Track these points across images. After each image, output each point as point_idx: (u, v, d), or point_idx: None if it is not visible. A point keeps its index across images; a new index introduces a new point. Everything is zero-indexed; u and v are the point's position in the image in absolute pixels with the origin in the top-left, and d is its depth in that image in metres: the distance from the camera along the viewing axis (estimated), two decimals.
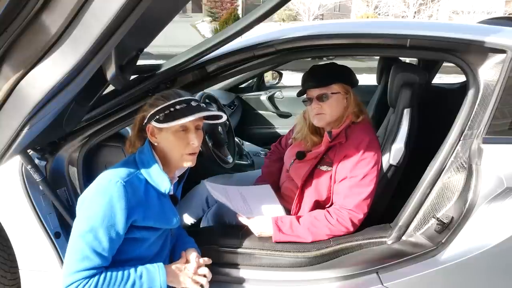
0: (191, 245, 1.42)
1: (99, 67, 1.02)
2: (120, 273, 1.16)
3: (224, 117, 1.27)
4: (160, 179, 1.22)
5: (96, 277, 1.11)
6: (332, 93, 1.56)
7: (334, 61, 1.76)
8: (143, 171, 1.22)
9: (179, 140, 1.20)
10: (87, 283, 1.10)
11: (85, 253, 1.10)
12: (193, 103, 1.20)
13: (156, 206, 1.23)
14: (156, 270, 1.21)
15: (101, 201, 1.11)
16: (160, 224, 1.24)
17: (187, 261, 1.32)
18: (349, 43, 1.49)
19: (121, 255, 1.21)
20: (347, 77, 1.61)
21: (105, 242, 1.11)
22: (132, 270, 1.18)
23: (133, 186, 1.17)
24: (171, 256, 1.44)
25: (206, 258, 1.35)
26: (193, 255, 1.34)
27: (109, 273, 1.14)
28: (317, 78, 1.59)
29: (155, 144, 1.24)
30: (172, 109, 1.17)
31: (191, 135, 1.21)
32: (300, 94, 1.69)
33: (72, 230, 1.15)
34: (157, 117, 1.18)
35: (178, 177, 1.37)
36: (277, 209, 1.62)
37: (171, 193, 1.32)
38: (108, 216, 1.11)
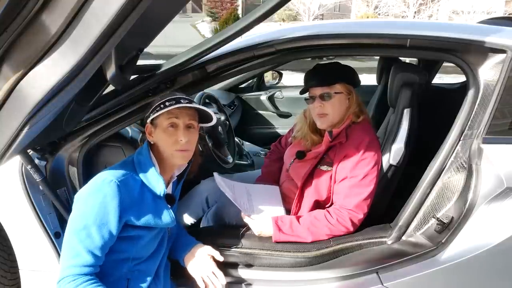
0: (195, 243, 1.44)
1: (99, 67, 1.02)
2: None
3: (215, 119, 1.31)
4: (155, 181, 1.24)
5: (85, 278, 1.12)
6: (336, 93, 1.56)
7: (334, 61, 1.75)
8: (139, 172, 1.24)
9: (168, 137, 1.23)
10: (73, 280, 1.11)
11: (78, 250, 1.11)
12: (183, 101, 1.23)
13: (151, 206, 1.24)
14: None
15: (95, 200, 1.12)
16: (154, 224, 1.25)
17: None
18: (349, 43, 1.48)
19: (117, 254, 1.21)
20: (350, 77, 1.62)
21: (97, 240, 1.12)
22: None
23: (128, 186, 1.18)
24: (170, 255, 1.44)
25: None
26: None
27: (96, 284, 1.13)
28: (321, 77, 1.59)
29: (152, 143, 1.28)
30: (162, 106, 1.23)
31: (180, 131, 1.24)
32: (303, 92, 1.69)
33: (67, 226, 1.16)
34: (151, 114, 1.25)
35: (177, 176, 1.38)
36: (279, 211, 1.62)
37: (169, 192, 1.33)
38: (101, 215, 1.12)
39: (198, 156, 1.45)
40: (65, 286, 1.11)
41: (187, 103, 1.23)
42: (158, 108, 1.23)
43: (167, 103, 1.22)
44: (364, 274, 1.45)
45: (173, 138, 1.23)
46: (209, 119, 1.31)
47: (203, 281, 1.37)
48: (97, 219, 1.12)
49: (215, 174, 1.65)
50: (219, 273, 1.37)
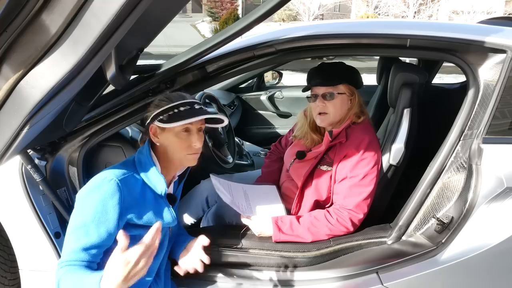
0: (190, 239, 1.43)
1: (99, 67, 1.02)
2: (87, 270, 1.09)
3: (226, 121, 1.29)
4: (156, 180, 1.23)
5: (77, 263, 1.09)
6: (339, 93, 1.57)
7: (334, 61, 1.75)
8: (140, 171, 1.23)
9: (181, 142, 1.22)
10: (62, 267, 1.09)
11: (75, 247, 1.11)
12: (196, 106, 1.23)
13: (153, 205, 1.24)
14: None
15: (94, 198, 1.12)
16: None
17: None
18: (349, 43, 1.49)
19: None
20: (354, 78, 1.62)
21: (94, 239, 1.12)
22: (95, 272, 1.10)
23: (129, 185, 1.18)
24: (170, 255, 1.44)
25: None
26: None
27: (85, 267, 1.09)
28: (325, 76, 1.59)
29: (157, 144, 1.26)
30: (176, 110, 1.20)
31: (194, 137, 1.23)
32: (305, 89, 1.68)
33: (68, 223, 1.16)
34: (161, 117, 1.20)
35: (178, 176, 1.38)
36: (279, 210, 1.62)
37: (170, 192, 1.33)
38: (99, 213, 1.12)
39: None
40: (58, 272, 1.09)
41: (200, 108, 1.22)
42: (172, 112, 1.19)
43: (181, 108, 1.19)
44: (364, 274, 1.45)
45: (187, 143, 1.22)
46: (218, 122, 1.30)
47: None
48: (96, 218, 1.11)
49: (212, 175, 1.65)
50: (205, 257, 1.32)
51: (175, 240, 1.47)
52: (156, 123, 1.21)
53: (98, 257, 1.15)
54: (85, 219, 1.12)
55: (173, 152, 1.24)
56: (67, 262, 1.11)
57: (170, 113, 1.19)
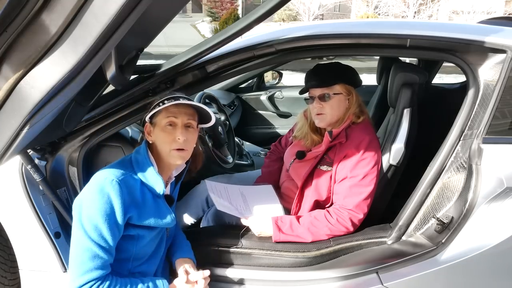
0: (184, 254, 1.42)
1: (99, 67, 1.02)
2: (129, 284, 1.19)
3: (214, 119, 1.31)
4: (154, 180, 1.24)
5: (108, 282, 1.14)
6: (334, 94, 1.57)
7: (334, 61, 1.75)
8: (137, 171, 1.24)
9: (166, 136, 1.24)
10: (100, 284, 1.12)
11: (94, 251, 1.12)
12: (182, 100, 1.23)
13: (151, 205, 1.24)
14: (161, 285, 1.25)
15: (101, 200, 1.13)
16: (155, 223, 1.25)
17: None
18: (349, 43, 1.49)
19: (117, 254, 1.21)
20: (350, 77, 1.61)
21: (109, 239, 1.14)
22: (140, 284, 1.21)
23: (128, 185, 1.19)
24: (167, 257, 1.44)
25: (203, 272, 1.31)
26: (181, 270, 1.35)
27: (120, 280, 1.17)
28: (320, 78, 1.59)
29: (150, 142, 1.28)
30: (161, 104, 1.23)
31: (178, 130, 1.24)
32: (302, 92, 1.69)
33: (73, 231, 1.16)
34: (150, 114, 1.25)
35: (175, 177, 1.38)
36: (277, 209, 1.62)
37: (167, 193, 1.33)
38: (109, 214, 1.13)
39: (200, 155, 1.46)
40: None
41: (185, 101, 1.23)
42: (157, 107, 1.23)
43: (165, 102, 1.22)
44: (364, 274, 1.45)
45: (171, 137, 1.23)
46: (209, 119, 1.31)
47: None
48: (106, 218, 1.12)
49: (206, 181, 1.66)
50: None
51: (173, 244, 1.47)
52: (147, 120, 1.27)
53: (113, 256, 1.18)
54: (96, 222, 1.12)
55: (161, 148, 1.26)
56: (93, 272, 1.12)
57: (156, 107, 1.23)
